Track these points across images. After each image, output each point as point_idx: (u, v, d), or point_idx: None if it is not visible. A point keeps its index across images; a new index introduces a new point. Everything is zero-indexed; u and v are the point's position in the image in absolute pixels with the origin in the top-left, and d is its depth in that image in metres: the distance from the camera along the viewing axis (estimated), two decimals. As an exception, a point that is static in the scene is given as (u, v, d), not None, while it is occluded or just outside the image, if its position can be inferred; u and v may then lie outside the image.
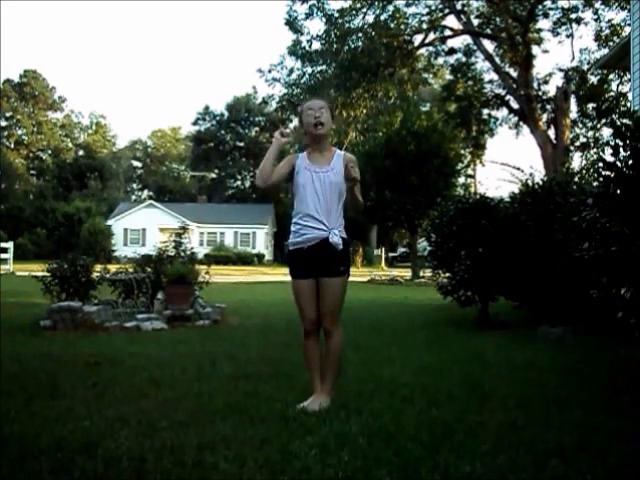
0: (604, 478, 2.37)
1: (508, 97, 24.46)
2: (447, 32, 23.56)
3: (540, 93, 23.50)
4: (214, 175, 60.64)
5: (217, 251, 39.64)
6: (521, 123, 25.04)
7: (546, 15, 22.19)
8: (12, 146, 57.89)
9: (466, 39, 24.23)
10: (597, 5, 21.35)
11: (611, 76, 21.88)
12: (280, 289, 16.01)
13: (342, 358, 3.61)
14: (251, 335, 6.58)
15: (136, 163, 68.99)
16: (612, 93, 22.86)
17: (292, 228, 3.48)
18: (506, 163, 20.89)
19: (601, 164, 4.07)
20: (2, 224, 37.26)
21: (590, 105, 23.82)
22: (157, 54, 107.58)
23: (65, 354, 5.02)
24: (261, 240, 43.88)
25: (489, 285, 7.23)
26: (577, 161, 24.46)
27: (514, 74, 23.20)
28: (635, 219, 3.70)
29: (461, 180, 25.73)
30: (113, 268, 8.82)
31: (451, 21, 39.42)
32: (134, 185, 69.38)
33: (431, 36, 23.52)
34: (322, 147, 3.49)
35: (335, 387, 3.48)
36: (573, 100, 22.97)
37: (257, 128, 60.81)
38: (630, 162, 3.85)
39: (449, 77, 27.54)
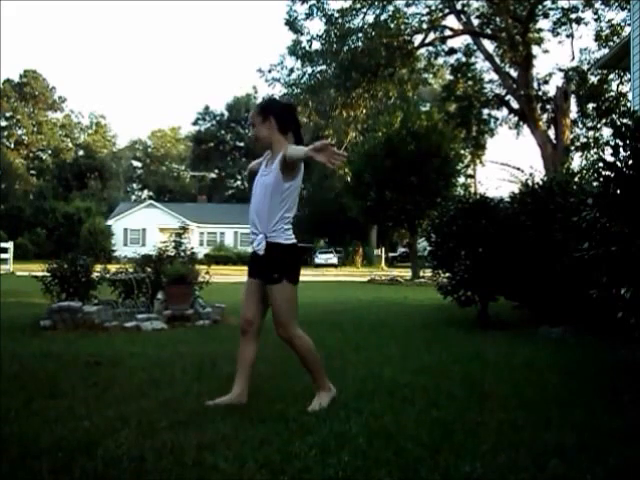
0: (604, 478, 2.37)
1: (508, 97, 24.43)
2: (447, 32, 23.53)
3: (540, 93, 23.48)
4: (214, 175, 60.72)
5: (217, 251, 39.70)
6: (521, 123, 25.01)
7: (546, 15, 22.18)
8: (12, 146, 57.92)
9: (466, 39, 24.23)
10: (597, 5, 21.35)
11: (611, 76, 21.86)
12: (280, 289, 15.99)
13: (317, 362, 3.47)
14: (251, 335, 6.56)
15: (136, 163, 69.03)
16: (612, 93, 22.84)
17: None
18: (506, 163, 20.84)
19: (601, 164, 4.07)
20: (2, 224, 37.28)
21: (590, 105, 23.79)
22: (157, 54, 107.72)
23: (65, 354, 5.02)
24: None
25: (489, 285, 7.22)
26: (577, 161, 24.45)
27: (514, 74, 23.17)
28: (635, 219, 3.70)
29: (461, 180, 25.71)
30: (113, 268, 8.81)
31: (451, 21, 39.53)
32: (134, 185, 69.42)
33: (431, 36, 23.50)
34: (273, 151, 3.40)
35: (326, 381, 3.43)
36: (573, 100, 22.94)
37: (257, 128, 60.77)
38: (630, 162, 3.85)
39: (449, 77, 27.52)
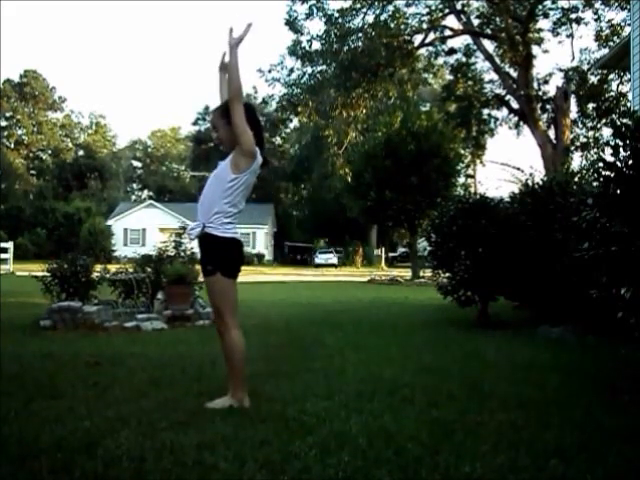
0: (604, 478, 2.37)
1: (508, 97, 24.44)
2: (447, 32, 23.54)
3: (540, 93, 23.49)
4: (214, 175, 60.74)
5: (217, 251, 39.57)
6: (521, 123, 25.03)
7: (546, 15, 22.19)
8: (12, 146, 57.91)
9: (466, 39, 24.25)
10: (597, 5, 21.36)
11: (611, 76, 21.87)
12: (280, 289, 16.01)
13: (239, 364, 3.34)
14: (251, 335, 6.53)
15: (136, 163, 69.04)
16: (612, 93, 22.86)
17: None
18: (506, 163, 20.91)
19: (601, 164, 4.06)
20: (2, 224, 37.28)
21: (590, 105, 23.81)
22: (157, 54, 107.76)
23: (65, 354, 5.02)
24: (261, 240, 43.93)
25: (489, 285, 7.22)
26: (577, 161, 24.48)
27: (514, 74, 23.18)
28: (635, 219, 3.70)
29: (461, 180, 25.74)
30: (113, 268, 8.81)
31: (451, 21, 39.46)
32: (134, 185, 69.42)
33: (431, 36, 23.51)
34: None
35: (240, 390, 3.31)
36: (573, 100, 22.96)
37: (257, 128, 60.82)
38: (630, 162, 3.85)
39: (449, 77, 27.53)
